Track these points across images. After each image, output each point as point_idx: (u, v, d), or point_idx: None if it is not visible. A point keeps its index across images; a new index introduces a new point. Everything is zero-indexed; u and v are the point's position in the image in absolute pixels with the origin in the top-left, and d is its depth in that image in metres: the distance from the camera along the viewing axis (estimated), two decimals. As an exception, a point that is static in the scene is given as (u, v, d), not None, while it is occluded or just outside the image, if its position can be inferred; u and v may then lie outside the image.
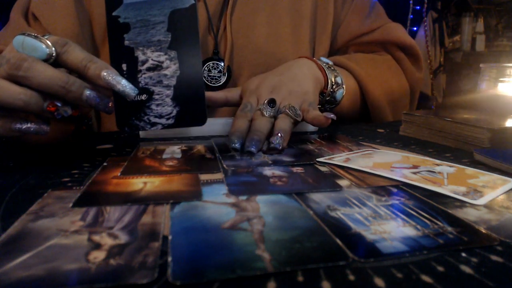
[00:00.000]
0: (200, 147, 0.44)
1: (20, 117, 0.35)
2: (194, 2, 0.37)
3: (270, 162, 0.37)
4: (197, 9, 0.38)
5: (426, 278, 0.18)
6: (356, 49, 0.73)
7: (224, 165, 0.36)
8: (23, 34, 0.34)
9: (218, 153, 0.41)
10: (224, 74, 0.62)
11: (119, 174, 0.33)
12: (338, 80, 0.56)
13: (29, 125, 0.34)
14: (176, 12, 0.37)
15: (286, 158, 0.39)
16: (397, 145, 0.47)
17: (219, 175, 0.33)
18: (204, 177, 0.33)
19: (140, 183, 0.31)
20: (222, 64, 0.62)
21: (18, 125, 0.34)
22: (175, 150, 0.42)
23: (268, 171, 0.34)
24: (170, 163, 0.37)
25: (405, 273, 0.18)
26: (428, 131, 0.50)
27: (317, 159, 0.38)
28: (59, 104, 0.34)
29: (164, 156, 0.40)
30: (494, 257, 0.20)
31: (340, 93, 0.56)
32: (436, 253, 0.20)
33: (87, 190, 0.30)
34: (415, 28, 2.04)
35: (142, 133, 0.50)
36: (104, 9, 0.60)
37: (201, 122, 0.39)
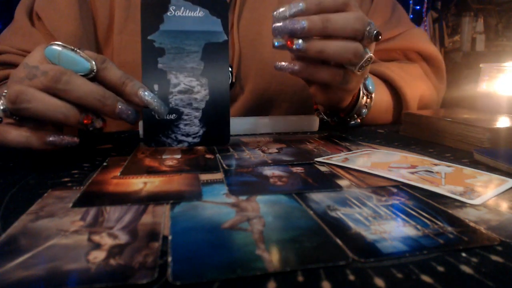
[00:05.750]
0: (200, 147, 0.44)
1: (53, 130, 0.35)
2: (227, 38, 0.40)
3: (270, 162, 0.37)
4: (229, 45, 0.41)
5: (426, 278, 0.18)
6: (376, 57, 0.69)
7: (224, 165, 0.36)
8: (57, 44, 0.35)
9: (218, 153, 0.41)
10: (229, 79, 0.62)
11: (119, 174, 0.33)
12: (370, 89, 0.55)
13: (62, 137, 0.35)
14: (210, 45, 0.40)
15: (286, 158, 0.39)
16: (397, 145, 0.47)
17: (219, 175, 0.33)
18: (204, 177, 0.33)
19: (140, 183, 0.31)
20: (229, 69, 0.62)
21: (52, 138, 0.35)
22: (175, 150, 0.42)
23: (268, 171, 0.34)
24: (170, 163, 0.37)
25: (405, 273, 0.18)
26: (428, 131, 0.50)
27: (316, 159, 0.38)
28: (93, 117, 0.35)
29: (164, 156, 0.40)
30: (494, 257, 0.20)
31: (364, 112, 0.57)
32: (436, 253, 0.20)
33: (87, 190, 0.30)
34: (415, 28, 2.04)
35: (142, 133, 0.50)
36: (109, 10, 0.61)
37: (225, 142, 0.42)
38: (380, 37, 0.41)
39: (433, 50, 0.69)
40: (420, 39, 0.69)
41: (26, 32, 0.58)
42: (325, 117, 0.59)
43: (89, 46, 0.59)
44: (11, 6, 0.61)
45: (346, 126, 0.58)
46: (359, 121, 0.57)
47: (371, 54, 0.42)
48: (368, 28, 0.40)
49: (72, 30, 0.57)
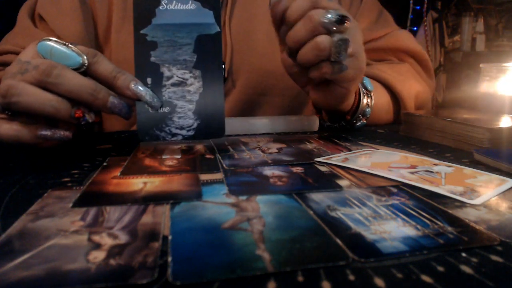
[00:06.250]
0: (200, 147, 0.44)
1: (45, 124, 0.35)
2: (219, 30, 0.40)
3: (270, 162, 0.37)
4: (221, 36, 0.41)
5: (426, 278, 0.18)
6: (366, 57, 0.70)
7: (224, 165, 0.36)
8: (50, 40, 0.34)
9: (218, 153, 0.41)
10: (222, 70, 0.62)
11: (119, 174, 0.33)
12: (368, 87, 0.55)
13: (54, 131, 0.35)
14: (203, 37, 0.40)
15: (286, 158, 0.39)
16: (397, 145, 0.47)
17: (219, 175, 0.33)
18: (204, 177, 0.33)
19: (140, 183, 0.31)
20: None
21: (44, 132, 0.35)
22: (175, 150, 0.42)
23: (268, 171, 0.34)
24: (170, 163, 0.37)
25: (405, 273, 0.18)
26: (428, 131, 0.50)
27: (316, 159, 0.38)
28: (85, 110, 0.35)
29: (164, 156, 0.40)
30: (494, 257, 0.20)
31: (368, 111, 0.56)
32: (436, 253, 0.20)
33: (87, 190, 0.30)
34: (415, 28, 2.04)
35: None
36: (107, 11, 0.61)
37: (220, 135, 0.41)
38: (346, 21, 0.39)
39: (419, 49, 0.71)
40: (407, 38, 0.71)
41: (29, 33, 0.58)
42: (331, 124, 0.60)
43: (91, 45, 0.60)
44: (10, 7, 0.61)
45: (353, 128, 0.58)
46: (364, 121, 0.58)
47: (343, 36, 0.39)
48: (324, 19, 0.38)
49: (77, 30, 0.58)
